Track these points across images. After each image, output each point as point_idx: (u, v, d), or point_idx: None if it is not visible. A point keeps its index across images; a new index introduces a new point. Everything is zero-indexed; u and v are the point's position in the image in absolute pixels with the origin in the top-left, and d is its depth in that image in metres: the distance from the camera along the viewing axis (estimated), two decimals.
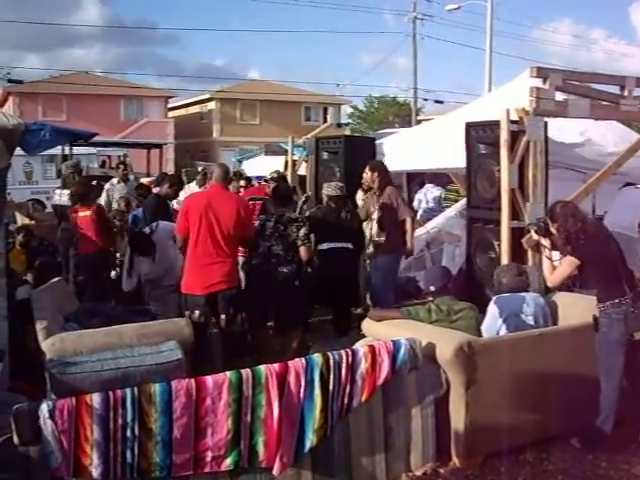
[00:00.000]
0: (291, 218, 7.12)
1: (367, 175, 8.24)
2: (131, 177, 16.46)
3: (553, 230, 5.66)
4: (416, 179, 14.03)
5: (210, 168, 14.20)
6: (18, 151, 5.60)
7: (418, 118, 41.76)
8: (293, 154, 11.95)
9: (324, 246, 7.92)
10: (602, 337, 5.42)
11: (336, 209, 8.15)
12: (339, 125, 42.41)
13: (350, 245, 8.09)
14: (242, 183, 13.37)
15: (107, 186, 13.38)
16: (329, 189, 8.36)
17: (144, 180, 16.93)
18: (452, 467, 5.08)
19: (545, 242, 5.89)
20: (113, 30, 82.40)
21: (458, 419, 5.05)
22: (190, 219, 6.63)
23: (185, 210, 6.76)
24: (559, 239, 5.58)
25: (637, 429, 5.59)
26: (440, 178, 13.02)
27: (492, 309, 5.98)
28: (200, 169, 18.63)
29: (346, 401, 4.59)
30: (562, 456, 5.36)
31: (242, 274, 7.22)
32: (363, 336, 5.83)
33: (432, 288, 5.99)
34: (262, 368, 4.46)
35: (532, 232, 6.16)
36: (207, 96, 49.82)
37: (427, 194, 12.99)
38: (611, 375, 5.40)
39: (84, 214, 8.89)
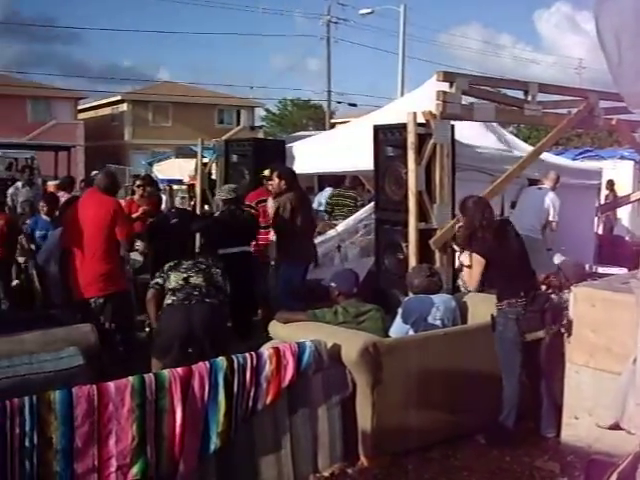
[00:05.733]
0: (213, 262, 6.57)
1: (274, 182, 8.15)
2: (38, 180, 16.10)
3: (461, 223, 5.75)
4: (327, 182, 14.08)
5: None
6: None
7: (332, 121, 42.03)
8: (203, 157, 11.85)
9: (221, 251, 7.90)
10: (498, 335, 5.55)
11: (234, 212, 8.16)
12: (252, 128, 42.31)
13: (247, 248, 8.13)
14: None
15: (11, 190, 13.04)
16: (223, 193, 8.32)
17: (51, 183, 16.55)
18: (360, 467, 5.11)
19: (464, 258, 5.90)
20: (10, 25, 79.46)
21: (365, 419, 5.08)
22: (67, 230, 6.72)
23: (64, 222, 6.87)
24: (463, 232, 5.70)
25: (538, 424, 5.73)
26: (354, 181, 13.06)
27: (401, 312, 6.04)
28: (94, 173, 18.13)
29: (250, 404, 4.56)
30: (468, 452, 5.46)
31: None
32: (270, 339, 5.82)
33: (336, 290, 6.07)
34: (165, 372, 4.40)
35: (457, 249, 6.19)
36: (118, 98, 49.00)
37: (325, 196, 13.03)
38: (510, 373, 5.55)
39: None
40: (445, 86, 7.39)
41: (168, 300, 6.06)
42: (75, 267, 6.52)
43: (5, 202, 9.52)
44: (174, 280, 6.15)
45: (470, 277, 5.79)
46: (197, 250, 9.21)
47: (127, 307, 7.05)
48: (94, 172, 18.78)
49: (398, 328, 5.93)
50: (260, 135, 35.96)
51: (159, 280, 6.27)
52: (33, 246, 9.06)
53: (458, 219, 6.14)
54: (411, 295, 6.32)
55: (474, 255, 5.60)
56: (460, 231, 5.88)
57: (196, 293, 6.06)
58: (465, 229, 5.70)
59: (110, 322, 6.49)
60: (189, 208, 11.38)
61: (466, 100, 7.74)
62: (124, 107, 49.36)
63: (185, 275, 6.19)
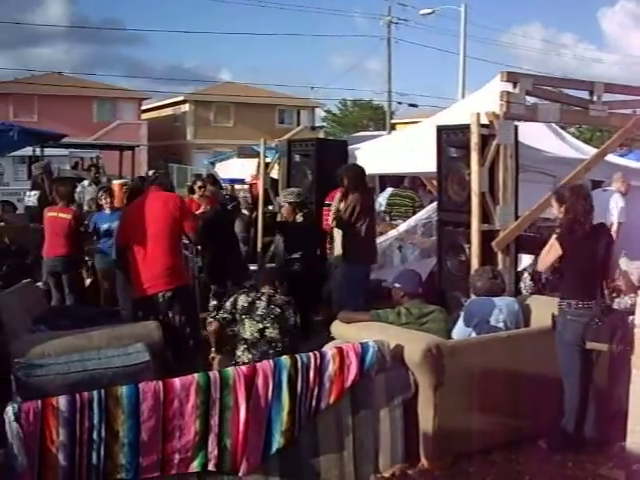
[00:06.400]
0: (285, 300, 6.11)
1: (342, 182, 8.19)
2: (103, 179, 16.41)
3: (556, 212, 5.57)
4: (389, 182, 14.04)
5: None
6: None
7: (392, 122, 41.94)
8: (265, 157, 11.91)
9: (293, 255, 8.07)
10: (557, 337, 5.46)
11: (305, 217, 8.32)
12: (313, 128, 42.51)
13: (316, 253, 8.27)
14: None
15: (78, 188, 13.31)
16: (290, 197, 8.41)
17: (116, 182, 16.81)
18: (420, 468, 5.09)
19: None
20: (78, 28, 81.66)
21: (426, 421, 5.07)
22: (127, 226, 6.72)
23: (123, 218, 6.88)
24: (564, 220, 5.44)
25: (603, 430, 5.63)
26: (414, 182, 13.03)
27: (462, 315, 6.01)
28: (151, 172, 18.36)
29: (314, 403, 4.61)
30: (530, 457, 5.40)
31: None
32: (332, 338, 5.85)
33: (400, 291, 6.05)
34: (230, 370, 4.47)
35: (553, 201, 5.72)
36: (181, 98, 49.65)
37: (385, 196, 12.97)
38: (569, 375, 5.46)
39: (64, 216, 8.76)
40: (508, 86, 7.32)
41: (244, 357, 5.87)
42: (140, 264, 6.55)
43: (74, 198, 9.67)
44: (249, 330, 5.90)
45: (540, 258, 5.68)
46: (270, 253, 9.34)
47: (192, 301, 7.16)
48: (151, 171, 19.10)
49: (460, 331, 5.90)
50: (321, 135, 35.99)
51: (227, 316, 6.00)
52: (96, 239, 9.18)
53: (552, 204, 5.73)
54: (473, 297, 6.29)
55: (554, 241, 5.43)
56: (561, 220, 5.54)
57: (272, 352, 5.80)
58: (566, 216, 5.39)
59: (180, 316, 6.58)
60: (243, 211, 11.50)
61: (529, 101, 7.66)
62: (186, 107, 50.01)
63: (261, 326, 5.89)
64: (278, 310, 5.98)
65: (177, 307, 6.54)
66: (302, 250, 8.14)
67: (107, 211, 9.27)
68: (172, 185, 7.38)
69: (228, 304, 6.07)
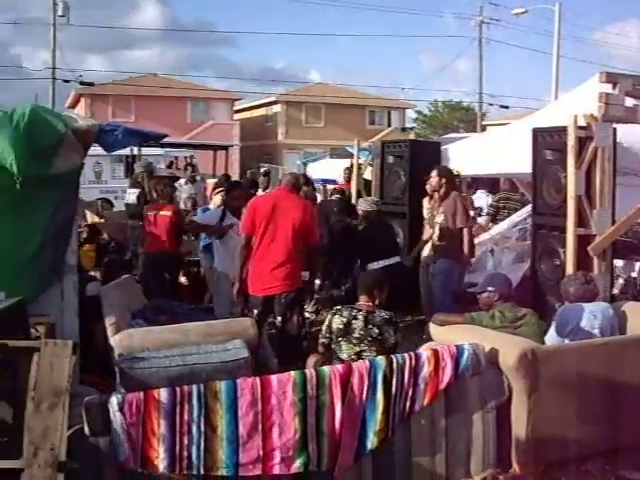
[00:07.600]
0: (385, 319, 5.77)
1: (434, 179, 8.18)
2: (198, 178, 16.76)
3: None
4: (481, 184, 13.94)
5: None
6: (89, 151, 5.77)
7: (483, 123, 41.47)
8: (359, 157, 11.98)
9: (374, 265, 8.15)
10: None
11: (374, 225, 8.51)
12: (404, 129, 42.39)
13: (397, 259, 8.35)
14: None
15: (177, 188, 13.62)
16: (365, 205, 8.64)
17: (210, 181, 17.15)
18: (512, 474, 5.03)
19: None
20: (172, 31, 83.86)
21: (519, 426, 5.01)
22: (256, 220, 6.76)
23: (252, 210, 6.88)
24: None
25: None
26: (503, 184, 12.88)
27: (555, 324, 5.93)
28: (262, 170, 18.64)
29: (408, 404, 4.61)
30: (627, 468, 5.26)
31: None
32: (426, 340, 5.85)
33: (495, 294, 6.00)
34: (326, 369, 4.52)
35: None
36: (272, 99, 50.15)
37: (478, 200, 12.88)
38: None
39: (164, 213, 8.97)
40: (606, 87, 7.17)
41: None
42: (265, 263, 6.71)
43: (174, 195, 9.84)
44: (346, 353, 5.70)
45: None
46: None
47: (303, 303, 7.34)
48: (262, 170, 19.35)
49: (554, 340, 5.82)
50: (411, 136, 35.85)
51: (325, 341, 5.84)
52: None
53: None
54: (566, 304, 6.18)
55: None
56: None
57: None
58: None
59: (298, 316, 6.76)
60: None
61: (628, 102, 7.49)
62: (278, 108, 50.45)
63: (358, 349, 5.66)
64: (376, 331, 5.68)
65: (297, 308, 6.75)
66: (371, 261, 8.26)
67: (211, 206, 9.41)
68: (300, 186, 7.54)
69: (324, 328, 5.89)
